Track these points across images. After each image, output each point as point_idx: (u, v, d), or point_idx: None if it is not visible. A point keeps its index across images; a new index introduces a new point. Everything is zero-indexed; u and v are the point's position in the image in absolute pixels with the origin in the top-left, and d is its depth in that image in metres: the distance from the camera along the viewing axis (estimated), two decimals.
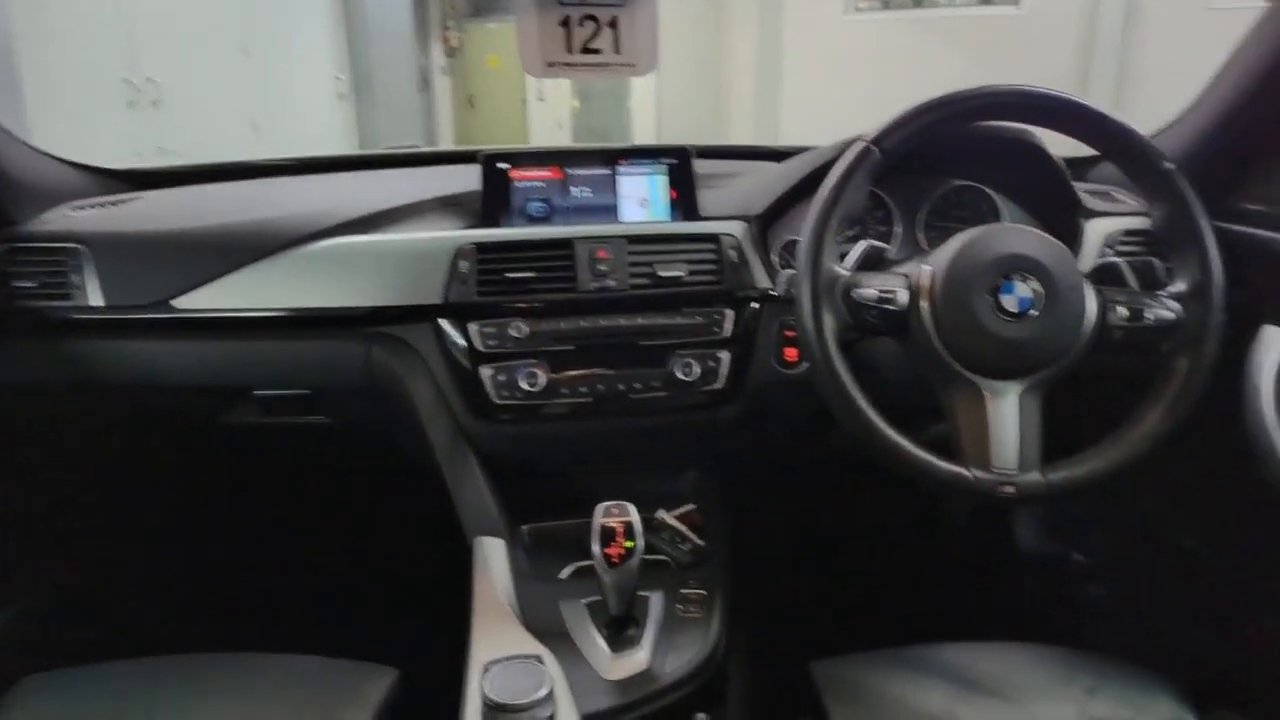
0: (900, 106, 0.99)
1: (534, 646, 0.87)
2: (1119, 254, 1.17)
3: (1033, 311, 0.93)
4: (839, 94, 7.34)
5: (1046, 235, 0.97)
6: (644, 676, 0.91)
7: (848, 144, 1.02)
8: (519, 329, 1.12)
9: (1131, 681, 0.97)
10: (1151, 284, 1.02)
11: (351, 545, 1.63)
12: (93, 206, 1.26)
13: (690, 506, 1.19)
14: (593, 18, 0.99)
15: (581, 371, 1.14)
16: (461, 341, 1.12)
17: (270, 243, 1.12)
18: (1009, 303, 0.93)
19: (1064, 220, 1.18)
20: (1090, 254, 1.18)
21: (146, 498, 1.54)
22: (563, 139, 9.14)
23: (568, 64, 1.00)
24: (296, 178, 1.47)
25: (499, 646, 0.86)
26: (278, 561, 1.63)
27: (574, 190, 1.21)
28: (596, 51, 0.99)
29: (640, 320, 1.14)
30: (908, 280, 0.97)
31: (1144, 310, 0.95)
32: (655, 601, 1.01)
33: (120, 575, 1.54)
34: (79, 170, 1.37)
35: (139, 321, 1.14)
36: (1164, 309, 0.95)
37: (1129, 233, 1.19)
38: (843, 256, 1.00)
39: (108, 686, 1.02)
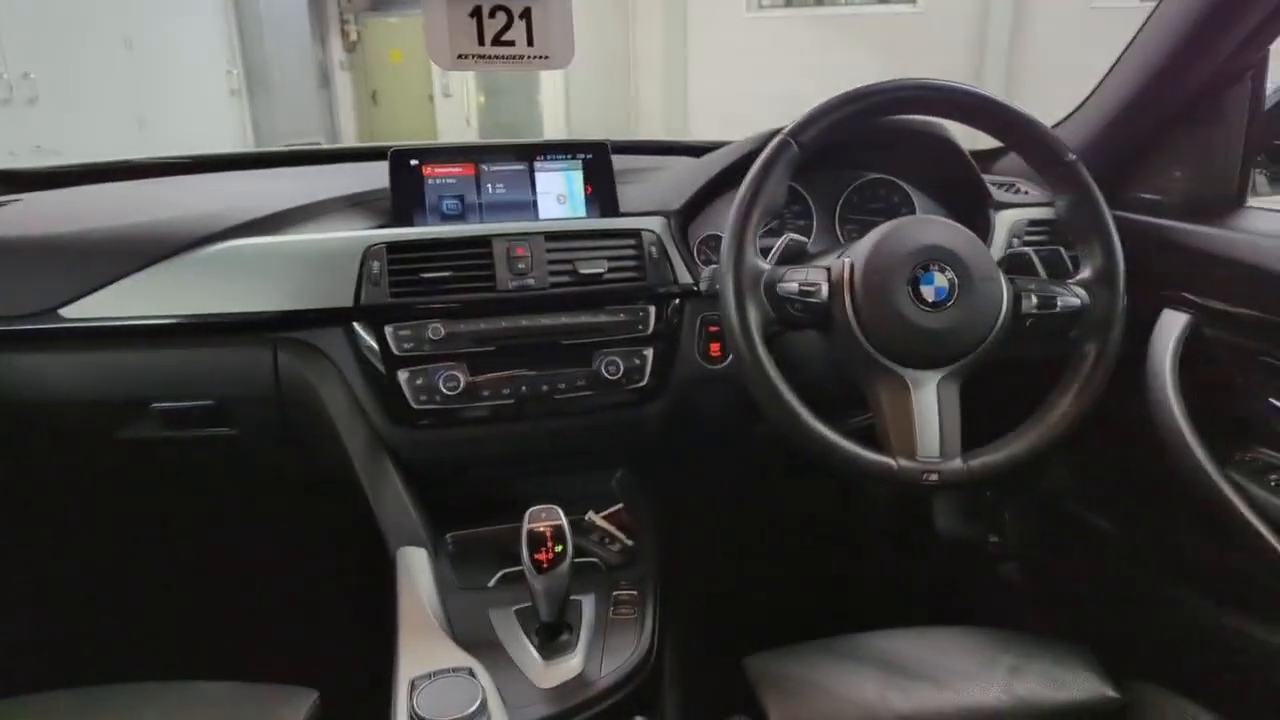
0: (811, 102, 0.99)
1: (463, 659, 0.85)
2: (1025, 244, 1.20)
3: (950, 301, 0.94)
4: (744, 90, 7.46)
5: (961, 226, 0.99)
6: (578, 682, 0.90)
7: (764, 138, 1.02)
8: (436, 330, 1.08)
9: (1052, 658, 1.00)
10: (1058, 272, 1.06)
11: (264, 562, 1.56)
12: None
13: (618, 506, 1.17)
14: (504, 8, 0.96)
15: (503, 373, 1.11)
16: (376, 345, 1.08)
17: (166, 245, 1.06)
18: (927, 293, 0.94)
19: (974, 211, 1.22)
20: (999, 244, 1.21)
21: (38, 521, 1.44)
22: (470, 136, 8.99)
23: (479, 56, 0.97)
24: (191, 176, 1.39)
25: (427, 661, 0.83)
26: (185, 583, 1.55)
27: (489, 187, 1.18)
28: (510, 44, 0.96)
29: (562, 319, 1.12)
30: (829, 273, 0.97)
31: (1054, 298, 0.98)
32: (587, 605, 0.99)
33: (12, 604, 1.43)
34: None
35: (23, 333, 1.05)
36: (1072, 296, 0.98)
37: (1034, 223, 1.23)
38: (764, 251, 1.00)
39: None
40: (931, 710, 0.94)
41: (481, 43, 0.95)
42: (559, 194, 1.19)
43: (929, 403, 0.94)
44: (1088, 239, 1.01)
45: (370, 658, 0.96)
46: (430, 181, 1.16)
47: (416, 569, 1.02)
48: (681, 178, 1.24)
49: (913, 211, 1.27)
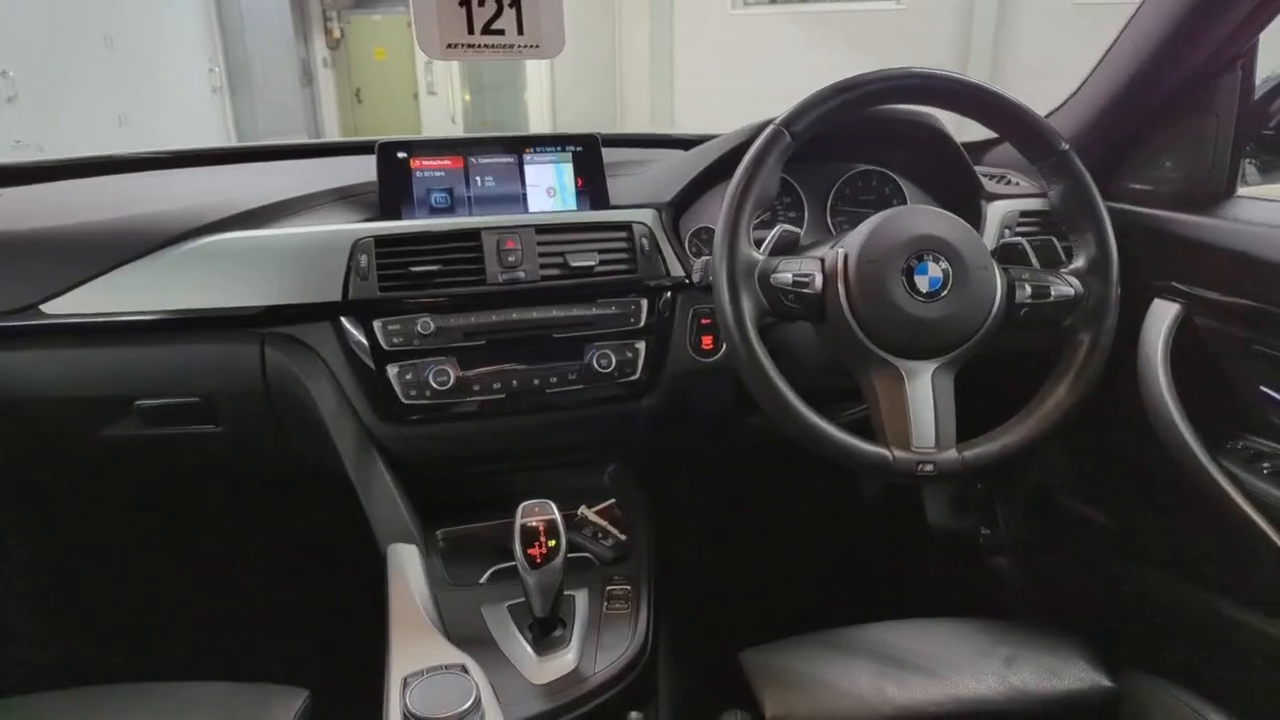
0: (796, 99, 0.99)
1: (456, 656, 0.84)
2: (1017, 234, 1.20)
3: (944, 291, 0.94)
4: (730, 85, 7.47)
5: (954, 216, 0.98)
6: (573, 678, 0.89)
7: (756, 129, 1.01)
8: (426, 325, 1.07)
9: (1046, 648, 1.00)
10: (1051, 262, 1.05)
11: (253, 560, 1.54)
12: None
13: (611, 501, 1.17)
14: None
15: (493, 367, 1.10)
16: (365, 340, 1.07)
17: (151, 239, 1.04)
18: (921, 283, 0.94)
19: (966, 203, 1.21)
20: (991, 236, 1.21)
21: (23, 522, 1.42)
22: (456, 133, 8.95)
23: (469, 45, 0.96)
24: (175, 171, 1.37)
25: (419, 658, 0.83)
26: (173, 582, 1.53)
27: (478, 180, 1.16)
28: (499, 32, 0.96)
29: (553, 312, 1.11)
30: (823, 264, 0.97)
31: (1049, 288, 0.97)
32: (581, 600, 0.99)
33: (1, 606, 1.42)
34: None
35: (5, 329, 1.03)
36: (1066, 285, 0.98)
37: (1025, 214, 1.23)
38: (757, 243, 0.99)
39: None
40: (927, 701, 0.93)
41: (471, 32, 0.95)
42: (549, 187, 1.18)
43: (923, 393, 0.94)
44: (1081, 228, 1.01)
45: (362, 656, 0.95)
46: (418, 174, 1.14)
47: (408, 565, 1.01)
48: (672, 170, 1.23)
49: (904, 203, 1.27)
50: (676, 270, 1.16)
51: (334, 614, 1.39)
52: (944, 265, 0.94)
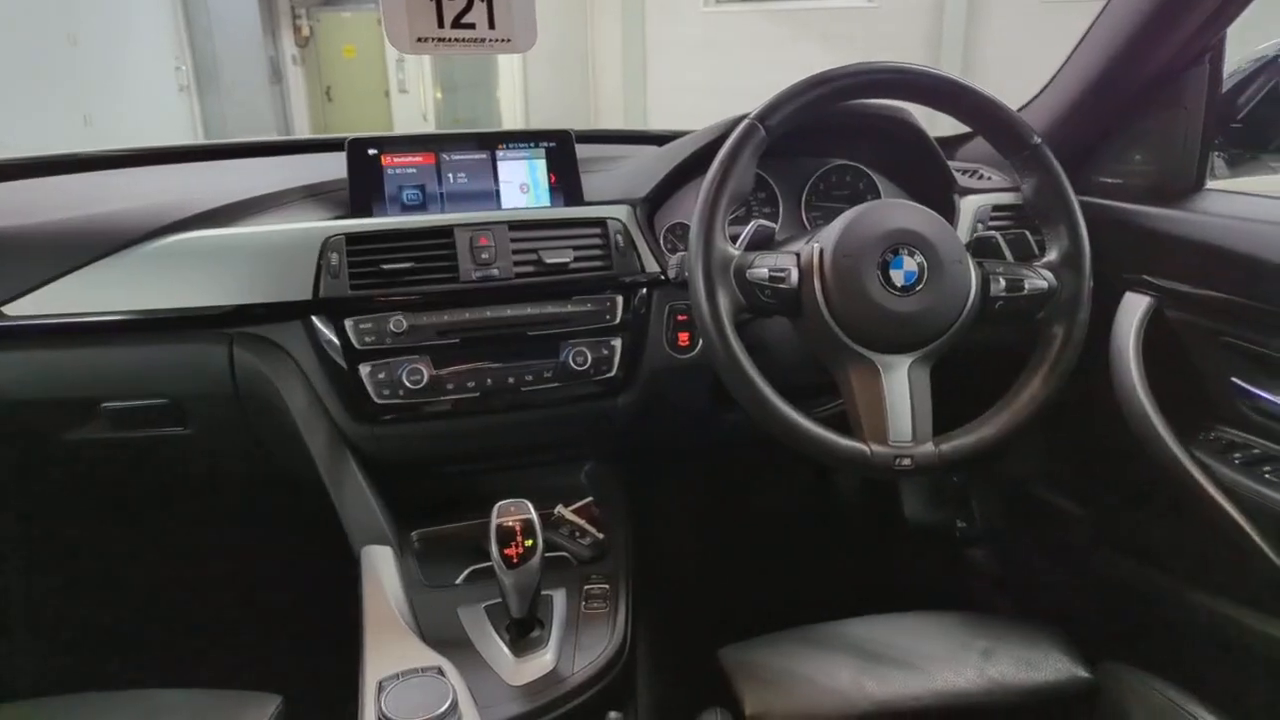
0: (775, 91, 0.98)
1: (432, 658, 0.83)
2: (990, 228, 1.21)
3: (919, 285, 0.94)
4: (703, 83, 7.47)
5: (929, 211, 0.99)
6: (551, 679, 0.88)
7: (730, 124, 1.01)
8: (398, 323, 1.06)
9: (1024, 640, 1.00)
10: (1025, 256, 1.06)
11: (225, 564, 1.51)
12: None
13: (588, 499, 1.16)
14: None
15: (467, 365, 1.09)
16: (336, 339, 1.05)
17: (116, 238, 1.02)
18: (896, 277, 0.93)
19: (939, 197, 1.22)
20: (964, 230, 1.21)
21: None
22: (429, 131, 8.88)
23: (439, 39, 0.94)
24: (141, 169, 1.34)
25: (394, 661, 0.81)
26: (142, 588, 1.50)
27: (450, 176, 1.15)
28: (470, 26, 0.94)
29: (528, 309, 1.10)
30: (798, 258, 0.96)
31: (1023, 281, 0.98)
32: (558, 600, 0.98)
33: None
34: None
35: None
36: (1039, 279, 0.98)
37: (998, 208, 1.24)
38: (732, 238, 0.99)
39: None
40: (906, 695, 0.93)
41: (441, 25, 0.93)
42: (522, 183, 1.17)
43: (900, 387, 0.94)
44: (1054, 222, 1.01)
45: (336, 660, 0.93)
46: (389, 171, 1.13)
47: (382, 568, 0.99)
48: (646, 166, 1.22)
49: (879, 198, 1.27)
50: (652, 266, 1.15)
51: (307, 618, 1.37)
52: (919, 259, 0.94)
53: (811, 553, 1.71)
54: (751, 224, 1.01)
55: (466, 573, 1.07)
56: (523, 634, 0.92)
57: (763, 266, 0.95)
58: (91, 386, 1.07)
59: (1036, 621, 1.04)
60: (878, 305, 0.93)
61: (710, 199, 0.95)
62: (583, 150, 1.20)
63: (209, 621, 1.48)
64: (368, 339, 1.05)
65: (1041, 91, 1.29)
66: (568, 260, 1.11)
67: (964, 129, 1.26)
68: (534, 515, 0.88)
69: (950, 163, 1.26)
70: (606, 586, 1.01)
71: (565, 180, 1.18)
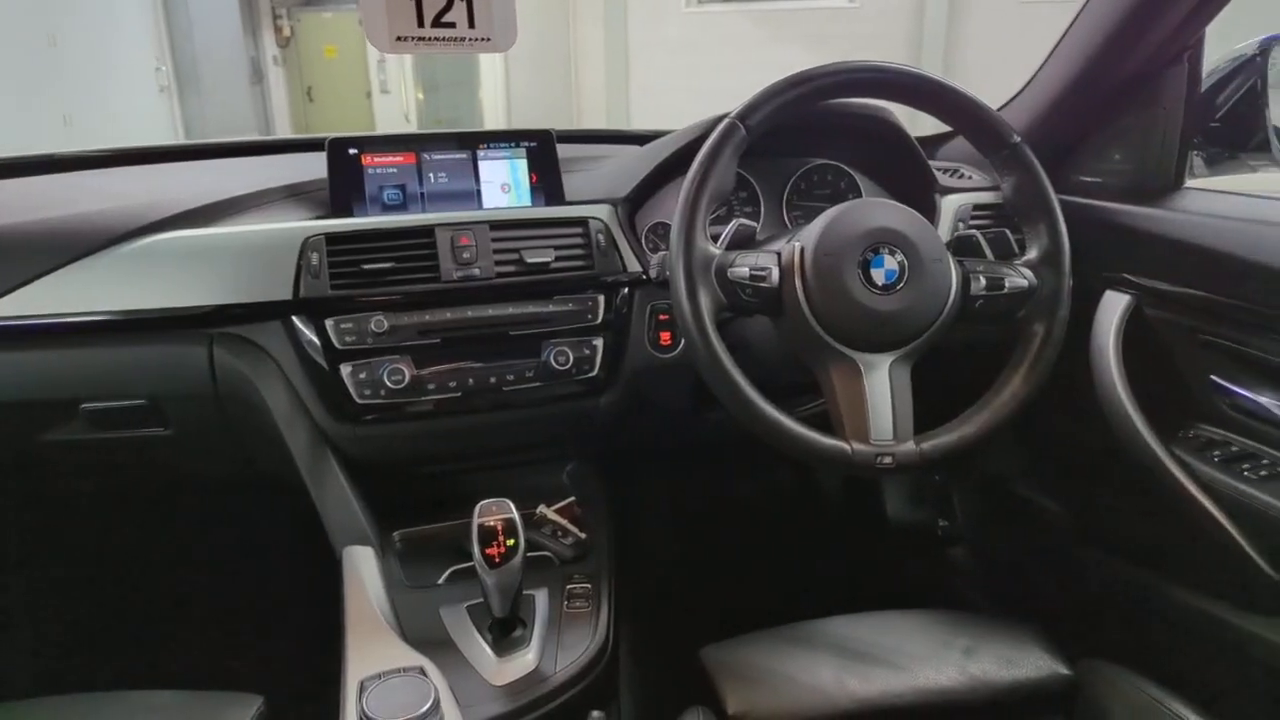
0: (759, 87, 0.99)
1: (414, 658, 0.83)
2: (971, 227, 1.21)
3: (900, 284, 0.94)
4: (685, 84, 7.48)
5: (909, 209, 0.99)
6: (533, 678, 0.88)
7: (710, 123, 1.01)
8: (379, 323, 1.05)
9: (1005, 638, 1.00)
10: (1005, 255, 1.06)
11: (205, 565, 1.50)
12: None
13: (570, 499, 1.16)
14: None
15: (449, 365, 1.08)
16: (316, 339, 1.04)
17: (94, 238, 1.01)
18: (877, 276, 0.94)
19: (919, 197, 1.22)
20: (944, 229, 1.22)
21: None
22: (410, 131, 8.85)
23: (419, 38, 0.94)
24: (121, 169, 1.33)
25: (376, 661, 0.81)
26: (122, 589, 1.48)
27: (431, 176, 1.15)
28: (450, 25, 0.94)
29: (509, 309, 1.10)
30: (779, 258, 0.96)
31: (1003, 280, 0.98)
32: (540, 599, 0.98)
33: None
34: None
35: None
36: (1020, 277, 0.99)
37: (978, 208, 1.24)
38: (713, 238, 0.99)
39: None
40: (888, 693, 0.94)
41: (421, 24, 0.93)
42: (503, 183, 1.17)
43: (881, 386, 0.94)
44: (1034, 221, 1.01)
45: (317, 660, 0.93)
46: (370, 171, 1.12)
47: (363, 568, 0.99)
48: (628, 165, 1.22)
49: (859, 197, 1.27)
50: (633, 266, 1.15)
51: (289, 618, 1.36)
52: (900, 258, 0.94)
53: (794, 552, 1.71)
54: (733, 223, 1.01)
55: (448, 573, 1.06)
56: (505, 634, 0.92)
57: (744, 265, 0.95)
58: (70, 387, 1.06)
59: (1017, 619, 1.04)
60: (859, 304, 0.93)
61: (691, 198, 0.95)
62: (564, 150, 1.20)
63: (190, 622, 1.47)
64: (348, 339, 1.04)
65: (1021, 91, 1.29)
66: (549, 260, 1.11)
67: (945, 128, 1.27)
68: (516, 515, 0.88)
69: (931, 162, 1.26)
70: (589, 586, 1.01)
71: (546, 180, 1.18)
